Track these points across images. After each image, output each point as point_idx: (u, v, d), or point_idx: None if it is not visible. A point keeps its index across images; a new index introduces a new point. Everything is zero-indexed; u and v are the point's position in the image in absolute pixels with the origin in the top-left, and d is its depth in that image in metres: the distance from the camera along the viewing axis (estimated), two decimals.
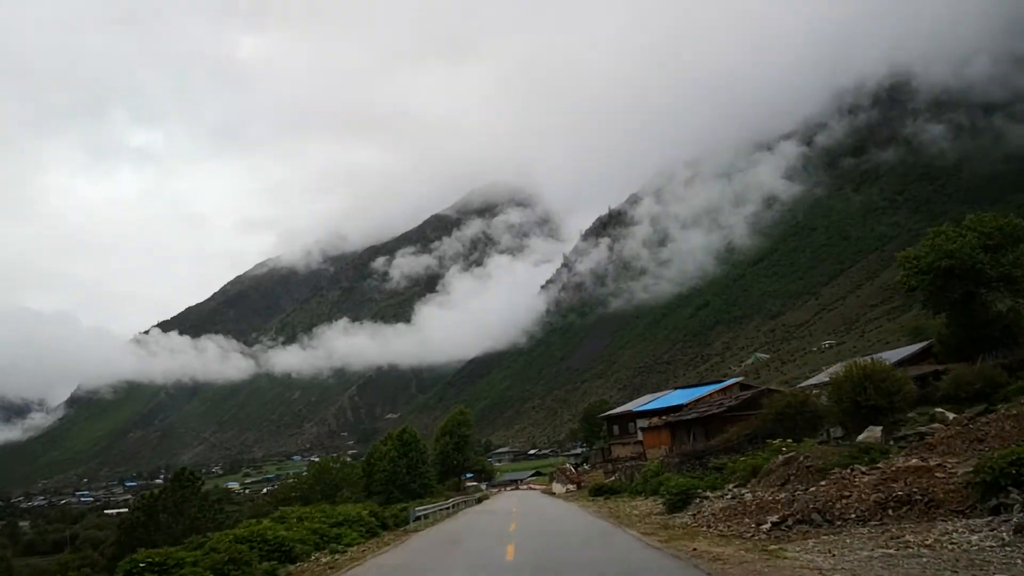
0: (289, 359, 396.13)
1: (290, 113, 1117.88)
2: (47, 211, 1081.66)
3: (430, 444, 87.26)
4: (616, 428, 77.84)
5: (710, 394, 64.13)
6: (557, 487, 72.68)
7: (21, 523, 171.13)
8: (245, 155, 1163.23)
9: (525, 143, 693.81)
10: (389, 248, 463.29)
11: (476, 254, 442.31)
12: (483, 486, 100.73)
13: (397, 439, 69.41)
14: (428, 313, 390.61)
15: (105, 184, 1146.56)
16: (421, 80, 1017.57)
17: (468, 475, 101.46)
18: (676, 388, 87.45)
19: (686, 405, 62.10)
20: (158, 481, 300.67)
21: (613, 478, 58.55)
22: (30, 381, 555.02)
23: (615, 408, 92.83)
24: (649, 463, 51.75)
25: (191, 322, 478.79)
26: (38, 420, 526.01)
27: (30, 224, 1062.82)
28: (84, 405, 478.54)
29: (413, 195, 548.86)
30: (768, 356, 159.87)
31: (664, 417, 62.40)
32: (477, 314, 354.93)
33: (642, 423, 68.58)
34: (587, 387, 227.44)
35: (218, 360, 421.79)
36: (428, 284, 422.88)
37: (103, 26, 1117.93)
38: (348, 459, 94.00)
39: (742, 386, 65.37)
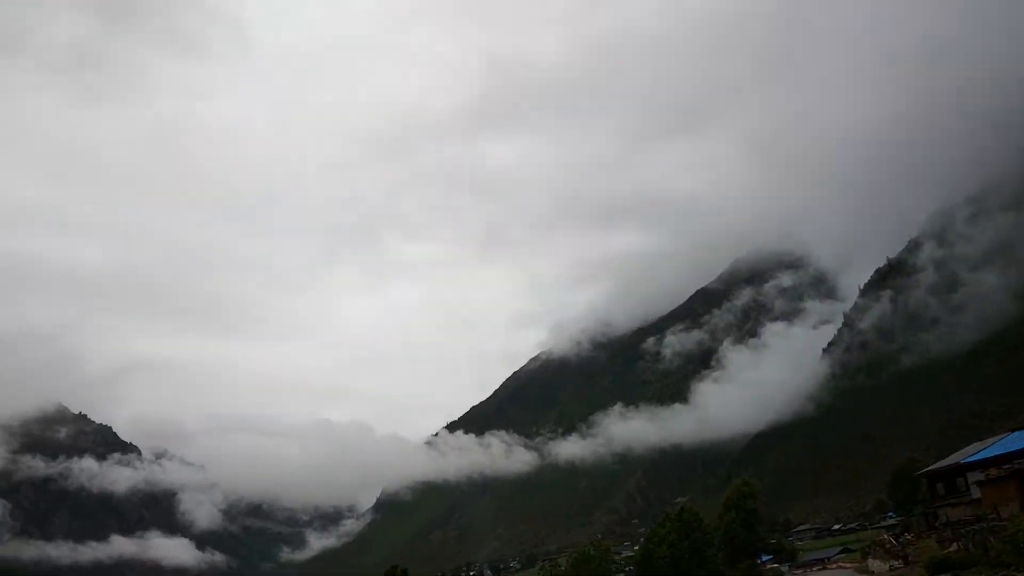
0: (571, 449, 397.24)
1: (544, 210, 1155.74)
2: (338, 330, 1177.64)
3: (714, 524, 79.42)
4: (940, 487, 66.87)
5: None
6: (876, 564, 62.39)
7: None
8: (507, 256, 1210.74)
9: (784, 204, 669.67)
10: (658, 328, 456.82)
11: (749, 324, 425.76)
12: (784, 568, 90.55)
13: (676, 520, 63.29)
14: (705, 390, 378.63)
15: (385, 300, 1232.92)
16: (664, 157, 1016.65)
17: (764, 557, 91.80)
18: (1013, 431, 72.94)
19: None
20: None
21: (952, 548, 48.85)
22: (339, 489, 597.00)
23: (932, 465, 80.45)
24: (1014, 522, 41.44)
25: (475, 421, 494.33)
26: (350, 526, 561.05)
27: (328, 345, 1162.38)
28: (388, 508, 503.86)
29: (675, 272, 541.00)
30: None
31: (1010, 465, 51.45)
32: (756, 386, 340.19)
33: (976, 476, 57.75)
34: (887, 451, 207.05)
35: (503, 455, 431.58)
36: (702, 360, 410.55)
37: (370, 162, 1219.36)
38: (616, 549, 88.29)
39: None
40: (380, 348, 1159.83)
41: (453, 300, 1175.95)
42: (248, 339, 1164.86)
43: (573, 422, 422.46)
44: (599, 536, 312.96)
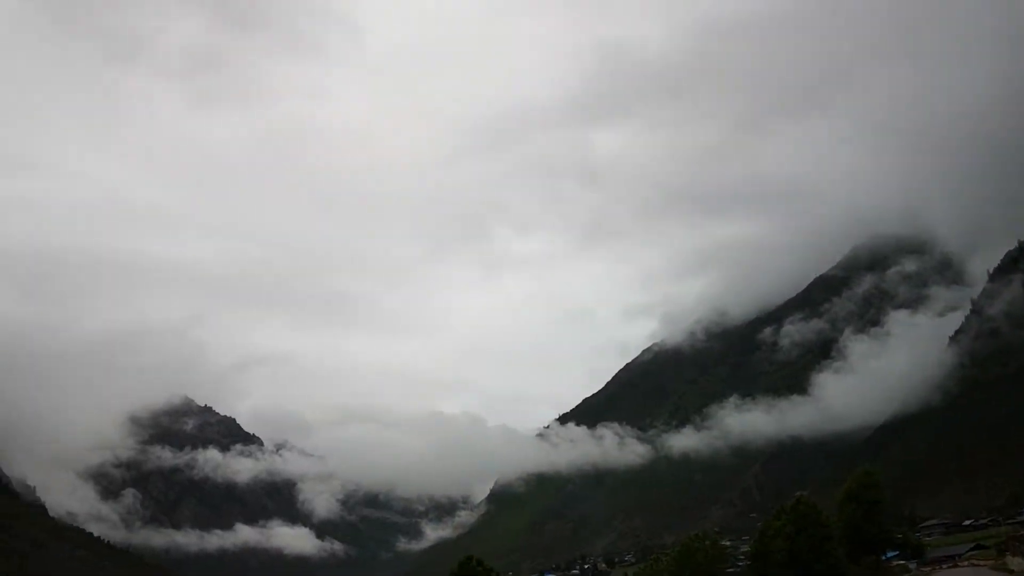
0: (685, 441, 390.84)
1: (653, 199, 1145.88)
2: (450, 325, 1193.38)
3: (834, 518, 74.91)
4: None
5: None
6: (1017, 562, 57.75)
7: None
8: (616, 247, 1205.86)
9: (906, 186, 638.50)
10: (775, 317, 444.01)
11: (871, 312, 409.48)
12: (911, 565, 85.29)
13: (792, 512, 59.50)
14: (825, 380, 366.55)
15: (496, 293, 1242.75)
16: (777, 141, 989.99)
17: (889, 554, 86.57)
18: None
19: None
20: (574, 572, 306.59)
21: None
22: (452, 480, 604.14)
23: None
24: None
25: (587, 413, 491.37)
26: (464, 517, 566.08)
27: (440, 338, 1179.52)
28: (501, 500, 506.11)
29: (791, 259, 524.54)
30: None
31: None
32: (879, 376, 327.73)
33: None
34: (1019, 443, 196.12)
35: (616, 448, 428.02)
36: (821, 350, 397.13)
37: (479, 154, 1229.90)
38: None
39: None
40: (491, 341, 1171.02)
41: (563, 292, 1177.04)
42: (363, 333, 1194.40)
43: (687, 414, 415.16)
44: (716, 530, 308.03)
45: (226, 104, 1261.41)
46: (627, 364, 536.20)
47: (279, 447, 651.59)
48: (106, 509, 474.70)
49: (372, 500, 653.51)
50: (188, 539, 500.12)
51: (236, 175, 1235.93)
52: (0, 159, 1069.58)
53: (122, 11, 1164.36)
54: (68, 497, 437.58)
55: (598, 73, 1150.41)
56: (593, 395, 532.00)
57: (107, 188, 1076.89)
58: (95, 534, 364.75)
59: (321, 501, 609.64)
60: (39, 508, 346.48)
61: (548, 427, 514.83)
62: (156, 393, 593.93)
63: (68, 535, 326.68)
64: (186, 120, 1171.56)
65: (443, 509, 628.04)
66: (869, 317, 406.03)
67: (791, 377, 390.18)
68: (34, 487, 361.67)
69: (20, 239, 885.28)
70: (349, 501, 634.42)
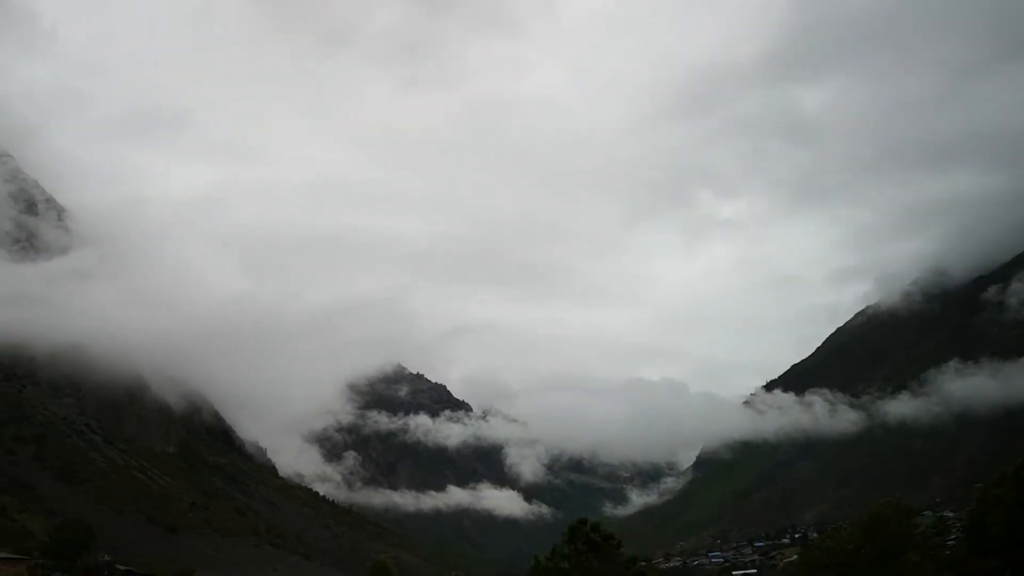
0: (902, 408, 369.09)
1: (863, 155, 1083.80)
2: (652, 292, 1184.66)
3: None
4: None
5: None
6: None
7: None
8: (825, 207, 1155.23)
9: None
10: (1001, 275, 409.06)
11: None
12: None
13: (1013, 479, 54.50)
14: None
15: (702, 260, 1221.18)
16: (1001, 86, 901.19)
17: None
18: None
19: None
20: (784, 541, 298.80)
21: None
22: (656, 447, 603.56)
23: None
24: None
25: (795, 379, 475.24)
26: (670, 484, 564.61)
27: (642, 305, 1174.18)
28: (708, 467, 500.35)
29: (1018, 213, 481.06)
30: None
31: None
32: None
33: None
34: None
35: (827, 415, 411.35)
36: None
37: (678, 118, 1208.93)
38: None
39: None
40: (694, 307, 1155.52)
41: (769, 256, 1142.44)
42: (565, 302, 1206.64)
43: (904, 380, 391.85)
44: (937, 499, 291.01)
45: (428, 84, 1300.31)
46: (838, 329, 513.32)
47: (486, 413, 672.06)
48: (330, 470, 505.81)
49: (577, 465, 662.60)
50: (404, 499, 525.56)
51: (441, 152, 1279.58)
52: (231, 149, 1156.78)
53: (330, 1, 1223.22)
54: (296, 459, 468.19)
55: (799, 26, 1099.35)
56: (801, 361, 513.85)
57: (323, 170, 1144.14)
58: (321, 493, 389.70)
59: (527, 465, 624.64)
60: (271, 469, 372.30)
61: (754, 394, 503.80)
62: (372, 361, 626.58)
63: (297, 494, 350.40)
64: (392, 102, 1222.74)
65: (648, 475, 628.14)
66: None
67: (1019, 339, 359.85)
68: (265, 449, 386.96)
69: (250, 222, 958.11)
70: (554, 466, 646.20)
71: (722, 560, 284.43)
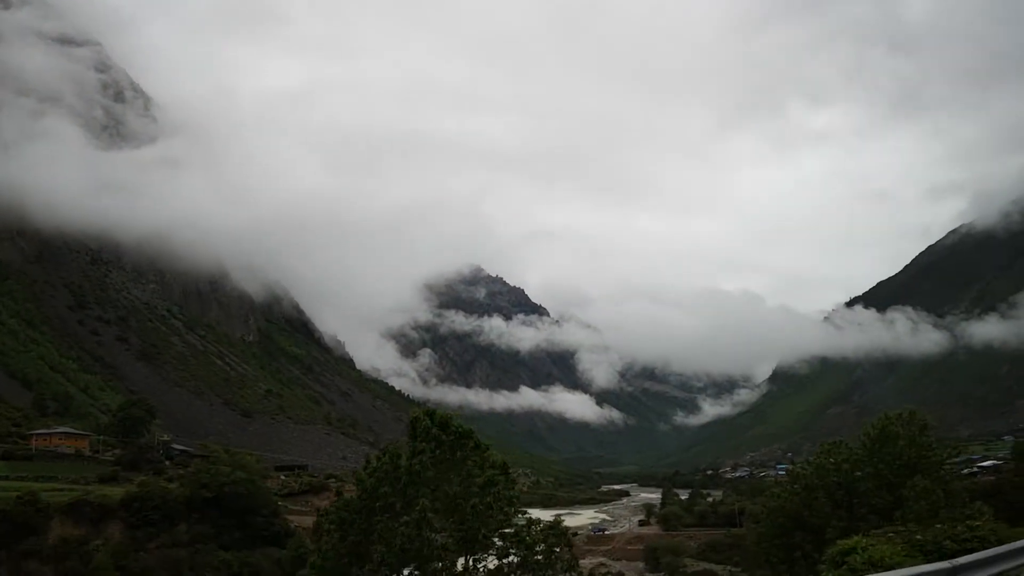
0: (989, 330, 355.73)
1: (971, 66, 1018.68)
2: (737, 202, 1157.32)
3: None
4: None
5: None
6: None
7: (713, 493, 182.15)
8: (925, 120, 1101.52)
9: None
10: None
11: None
12: None
13: None
14: None
15: (790, 171, 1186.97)
16: None
17: None
18: None
19: None
20: None
21: None
22: (730, 359, 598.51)
23: None
24: None
25: (879, 296, 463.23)
26: (744, 396, 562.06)
27: (724, 216, 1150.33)
28: (784, 381, 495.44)
29: None
30: None
31: None
32: None
33: None
34: None
35: (908, 334, 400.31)
36: None
37: (774, 21, 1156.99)
38: None
39: None
40: (779, 220, 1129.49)
41: (862, 169, 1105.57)
42: (648, 209, 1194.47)
43: (994, 302, 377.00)
44: (1020, 426, 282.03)
45: None
46: (929, 246, 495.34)
47: (561, 318, 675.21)
48: (406, 366, 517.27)
49: (649, 373, 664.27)
50: (479, 398, 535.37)
51: (528, 53, 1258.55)
52: (322, 47, 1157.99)
53: None
54: (373, 354, 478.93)
55: None
56: (888, 278, 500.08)
57: (411, 70, 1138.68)
58: (396, 388, 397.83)
59: (600, 371, 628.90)
60: (348, 362, 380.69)
61: (834, 310, 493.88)
62: (449, 262, 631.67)
63: (371, 387, 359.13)
64: (482, 2, 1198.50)
65: (721, 387, 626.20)
66: None
67: None
68: (343, 343, 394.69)
69: (336, 118, 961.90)
70: (627, 373, 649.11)
71: None
